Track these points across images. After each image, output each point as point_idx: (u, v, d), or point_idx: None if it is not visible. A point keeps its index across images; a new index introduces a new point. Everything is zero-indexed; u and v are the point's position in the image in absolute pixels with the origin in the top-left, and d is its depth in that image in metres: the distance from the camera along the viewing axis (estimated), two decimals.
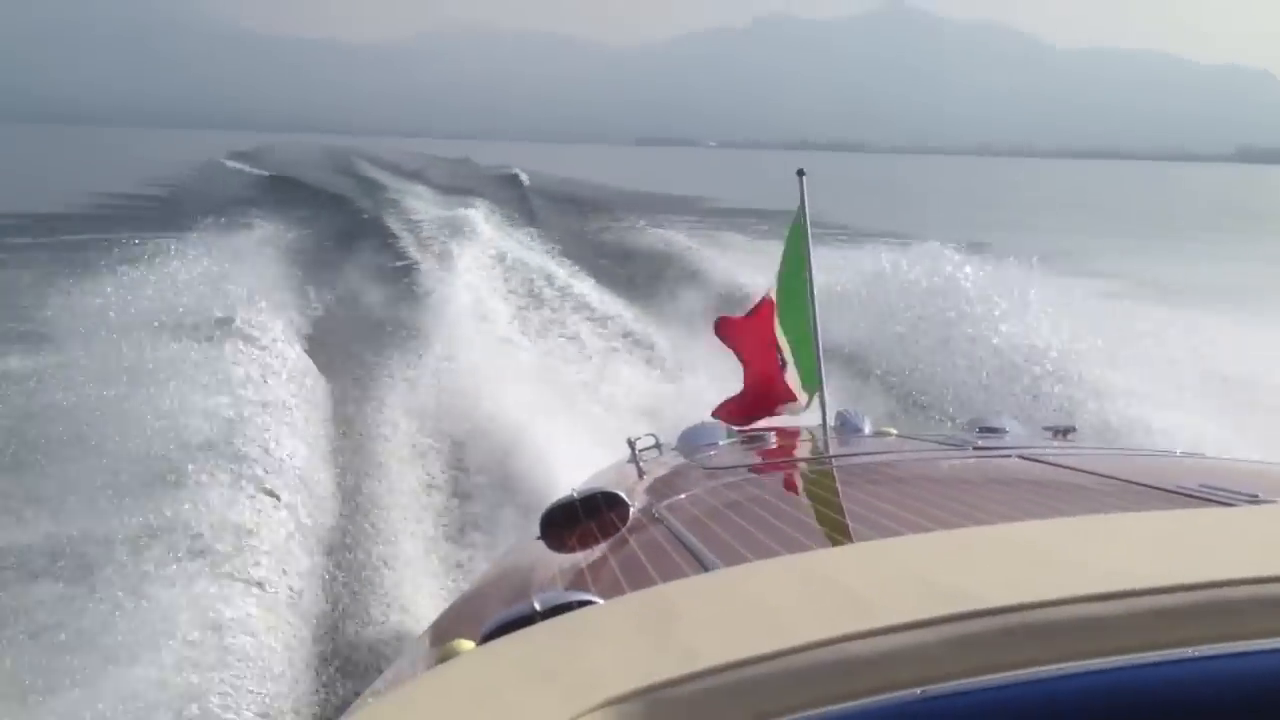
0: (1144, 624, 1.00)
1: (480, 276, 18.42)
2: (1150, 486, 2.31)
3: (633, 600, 1.48)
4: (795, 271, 4.52)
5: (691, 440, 4.18)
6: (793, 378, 4.49)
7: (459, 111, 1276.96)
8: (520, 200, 34.91)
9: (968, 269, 13.45)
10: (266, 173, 49.53)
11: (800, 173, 4.53)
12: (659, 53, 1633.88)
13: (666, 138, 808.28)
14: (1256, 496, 1.95)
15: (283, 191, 37.74)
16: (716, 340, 4.81)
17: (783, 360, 4.53)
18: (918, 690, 0.95)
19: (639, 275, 19.78)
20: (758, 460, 3.67)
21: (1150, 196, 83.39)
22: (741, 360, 4.75)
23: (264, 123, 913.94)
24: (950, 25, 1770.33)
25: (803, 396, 4.51)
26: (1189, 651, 0.95)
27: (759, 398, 4.58)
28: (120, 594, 5.32)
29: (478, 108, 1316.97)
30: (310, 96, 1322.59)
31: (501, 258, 20.87)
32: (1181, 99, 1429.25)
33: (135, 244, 13.26)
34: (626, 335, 14.87)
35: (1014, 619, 1.01)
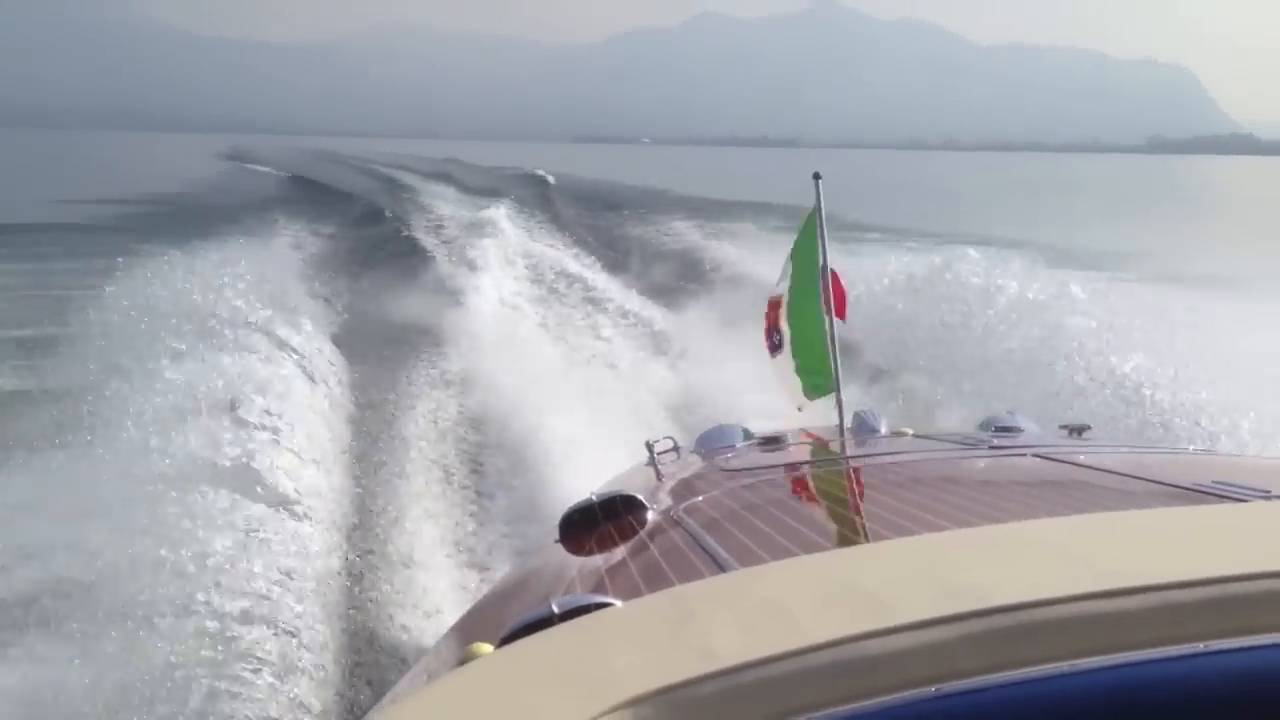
0: (1157, 620, 1.01)
1: (504, 276, 18.33)
2: (1164, 484, 2.32)
3: (651, 602, 1.53)
4: (808, 273, 4.53)
5: (709, 443, 4.16)
6: (786, 376, 4.70)
7: (394, 112, 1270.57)
8: (544, 200, 35.31)
9: (972, 265, 13.38)
10: (286, 174, 50.61)
11: (816, 176, 4.59)
12: (593, 51, 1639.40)
13: (603, 135, 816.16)
14: (1269, 492, 1.99)
15: (304, 193, 37.95)
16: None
17: (775, 354, 4.69)
18: (933, 688, 0.96)
19: (663, 274, 19.63)
20: (775, 462, 3.66)
21: (1071, 187, 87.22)
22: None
23: (202, 124, 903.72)
24: (876, 23, 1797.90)
25: (799, 397, 4.69)
26: (1201, 646, 0.96)
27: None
28: (145, 578, 5.31)
29: (413, 108, 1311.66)
30: (245, 97, 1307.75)
31: (525, 257, 20.90)
32: (1099, 93, 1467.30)
33: (145, 251, 13.04)
34: (649, 334, 14.75)
35: (1027, 616, 1.02)
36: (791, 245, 4.81)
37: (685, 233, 25.85)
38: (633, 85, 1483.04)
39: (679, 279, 18.65)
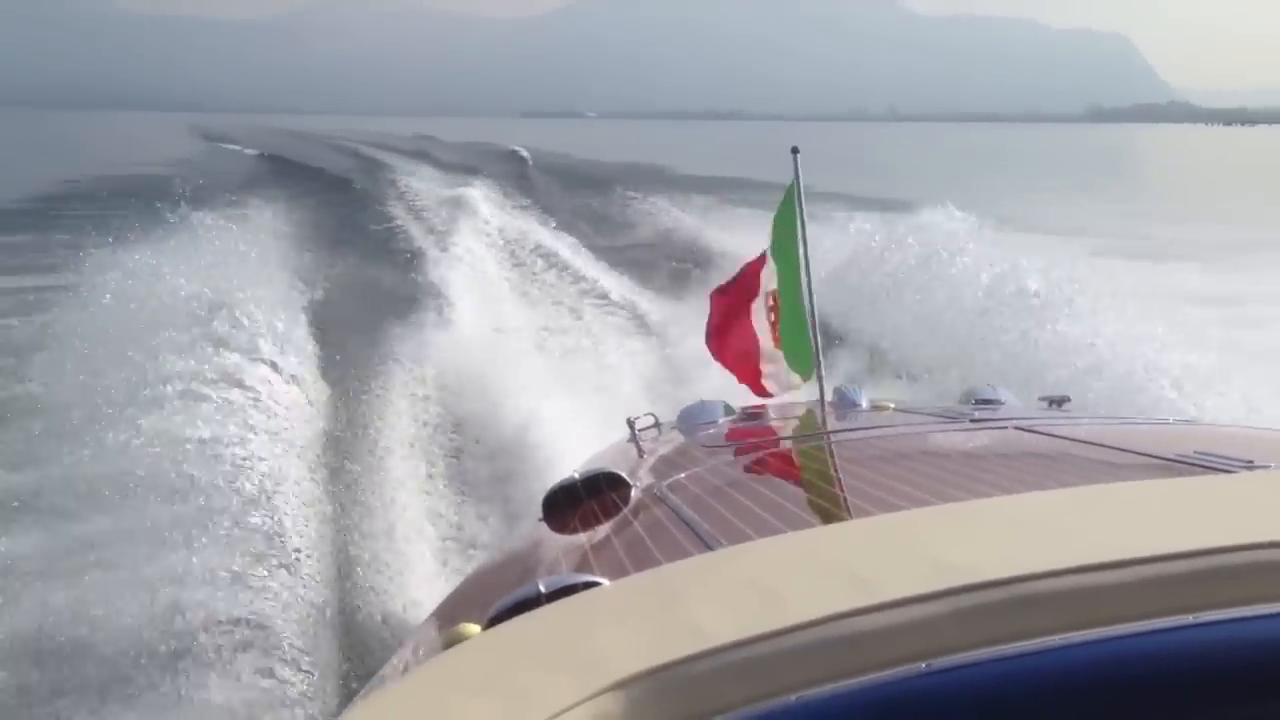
0: (1143, 592, 1.02)
1: (481, 254, 18.04)
2: (1146, 455, 2.34)
3: (638, 581, 1.52)
4: (788, 248, 4.50)
5: (690, 419, 4.13)
6: (775, 356, 4.57)
7: (338, 89, 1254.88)
8: (521, 177, 34.56)
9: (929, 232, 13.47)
10: (258, 152, 49.41)
11: (794, 150, 4.55)
12: (535, 25, 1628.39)
13: (549, 110, 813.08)
14: (1252, 463, 1.99)
15: (278, 172, 37.06)
16: (713, 314, 4.74)
17: (768, 335, 4.58)
18: (922, 664, 0.96)
19: (642, 251, 19.32)
20: (756, 437, 3.71)
21: (1014, 157, 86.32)
22: (714, 333, 4.70)
23: (159, 102, 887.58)
24: None
25: (791, 375, 4.56)
26: (1188, 618, 0.96)
27: (744, 368, 4.65)
28: (124, 575, 5.23)
29: (356, 85, 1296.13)
30: (192, 76, 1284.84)
31: (502, 234, 20.61)
32: (1037, 63, 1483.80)
33: (120, 228, 12.61)
34: (627, 311, 14.57)
35: (1014, 590, 1.03)
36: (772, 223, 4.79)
37: (664, 209, 25.53)
38: (575, 59, 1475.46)
39: (659, 255, 18.31)
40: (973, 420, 3.37)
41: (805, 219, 4.46)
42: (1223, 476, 1.85)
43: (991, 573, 1.06)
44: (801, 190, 4.47)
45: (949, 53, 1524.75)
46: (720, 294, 4.72)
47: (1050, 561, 1.07)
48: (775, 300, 4.59)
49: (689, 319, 11.40)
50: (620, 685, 1.00)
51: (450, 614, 2.51)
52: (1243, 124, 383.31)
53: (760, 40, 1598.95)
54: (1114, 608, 1.01)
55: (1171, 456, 2.21)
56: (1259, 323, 10.46)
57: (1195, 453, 2.16)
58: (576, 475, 2.92)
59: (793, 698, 0.96)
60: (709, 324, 4.73)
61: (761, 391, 4.59)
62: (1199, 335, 9.25)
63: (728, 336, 4.67)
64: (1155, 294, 11.22)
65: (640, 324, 13.82)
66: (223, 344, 9.17)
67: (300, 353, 10.33)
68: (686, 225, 22.05)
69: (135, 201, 15.35)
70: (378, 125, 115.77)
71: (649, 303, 14.82)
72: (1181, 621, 0.96)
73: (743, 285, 4.64)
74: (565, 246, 19.88)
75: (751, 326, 4.61)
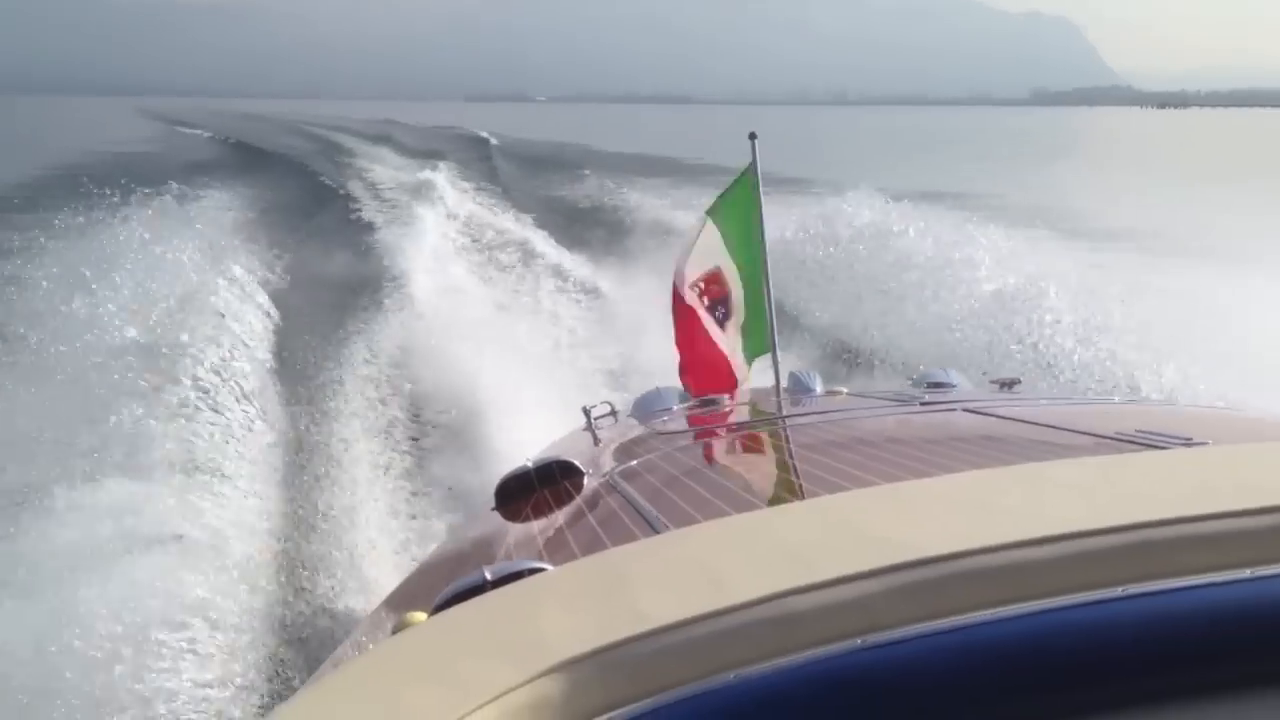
0: (1076, 566, 1.04)
1: (443, 240, 18.09)
2: (1088, 434, 2.39)
3: (582, 565, 1.53)
4: (744, 234, 4.52)
5: (646, 406, 4.15)
6: (734, 346, 4.55)
7: (280, 72, 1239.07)
8: (485, 162, 34.48)
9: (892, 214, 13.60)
10: (224, 137, 48.46)
11: (752, 136, 4.56)
12: (482, 8, 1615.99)
13: (496, 94, 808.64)
14: (1190, 439, 2.03)
15: (242, 157, 36.52)
16: (673, 302, 4.68)
17: (725, 326, 4.57)
18: (858, 640, 0.98)
19: (605, 236, 19.08)
20: (710, 424, 3.76)
21: (963, 139, 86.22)
22: (680, 329, 4.65)
23: (109, 87, 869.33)
24: None
25: (743, 369, 4.57)
26: (1119, 591, 0.99)
27: (708, 366, 4.61)
28: (68, 568, 5.12)
29: (299, 68, 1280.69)
30: (134, 59, 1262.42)
31: (465, 220, 20.56)
32: (985, 47, 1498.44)
33: (79, 217, 12.55)
34: (591, 297, 14.53)
35: (950, 567, 1.05)
36: (717, 207, 4.75)
37: (629, 194, 25.30)
38: (520, 43, 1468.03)
39: (623, 240, 18.08)
40: (923, 403, 3.41)
41: (762, 202, 4.48)
42: (1159, 453, 1.87)
43: (927, 549, 1.08)
44: (759, 175, 4.48)
45: (897, 36, 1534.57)
46: (677, 294, 4.66)
47: (985, 537, 1.09)
48: (714, 285, 4.58)
49: (652, 306, 11.39)
50: (561, 667, 1.01)
51: (399, 602, 2.54)
52: (1176, 107, 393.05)
53: (708, 24, 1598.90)
54: (1046, 581, 1.03)
55: (1112, 435, 2.27)
56: (1202, 302, 10.50)
57: (1136, 431, 2.21)
58: (529, 464, 2.93)
59: (731, 675, 0.98)
60: (674, 320, 4.66)
61: (701, 392, 4.47)
62: (1143, 315, 9.33)
63: (688, 335, 4.61)
64: (1103, 276, 11.38)
65: (603, 310, 13.77)
66: (179, 328, 9.08)
67: (258, 336, 10.30)
68: (652, 210, 21.82)
69: (90, 187, 15.20)
70: (322, 109, 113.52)
71: (613, 289, 14.69)
72: (1112, 594, 0.99)
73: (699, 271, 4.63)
74: (529, 232, 19.78)
75: (700, 322, 4.57)
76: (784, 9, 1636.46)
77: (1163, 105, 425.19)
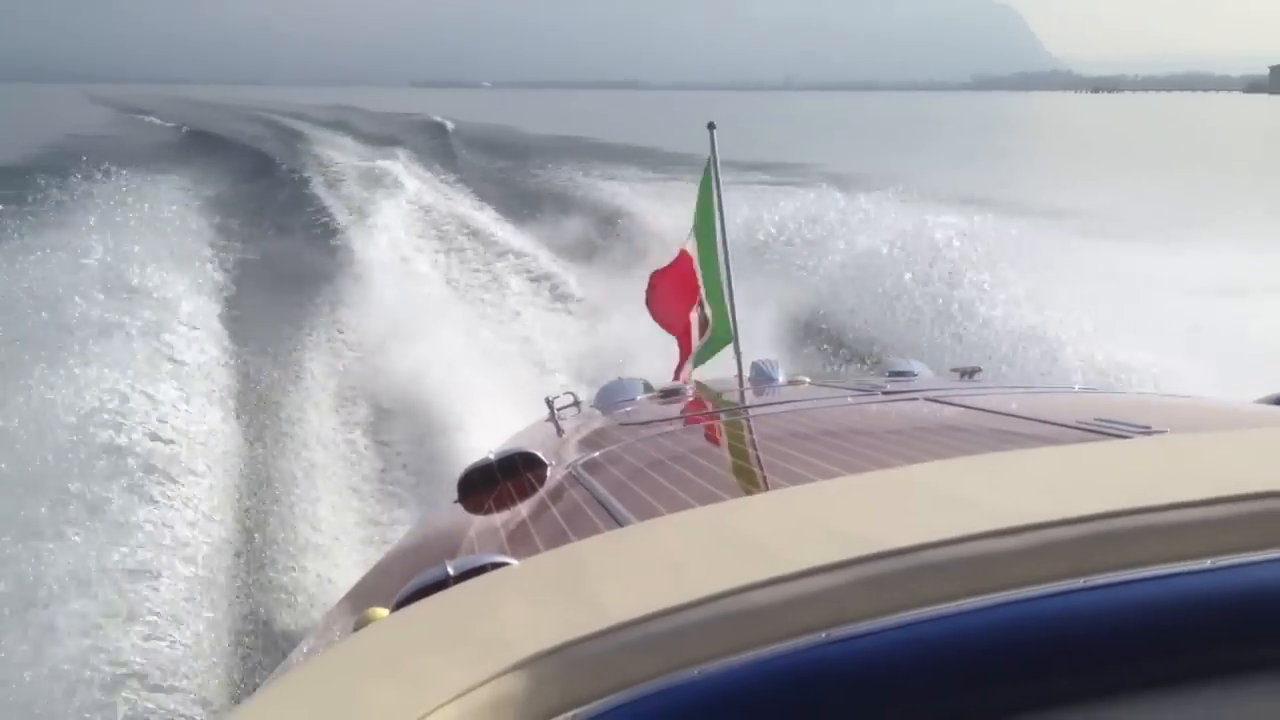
0: (1038, 557, 1.05)
1: (403, 228, 17.92)
2: (1049, 422, 2.42)
3: (546, 560, 1.53)
4: (707, 224, 4.54)
5: (609, 396, 4.12)
6: (695, 333, 4.60)
7: (225, 57, 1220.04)
8: (444, 149, 34.17)
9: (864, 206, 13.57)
10: (181, 126, 46.87)
11: (711, 126, 4.57)
12: None
13: (442, 80, 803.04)
14: (1149, 428, 2.05)
15: (198, 146, 35.42)
16: (641, 292, 4.77)
17: (703, 317, 4.60)
18: (823, 634, 0.98)
19: (566, 224, 18.80)
20: (674, 414, 3.73)
21: (911, 124, 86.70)
22: (662, 322, 4.74)
23: (38, 74, 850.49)
24: None
25: (699, 355, 4.61)
26: (1080, 582, 1.00)
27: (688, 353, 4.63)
28: (26, 569, 5.06)
29: (244, 52, 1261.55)
30: (70, 45, 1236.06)
31: (424, 208, 20.33)
32: (926, 32, 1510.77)
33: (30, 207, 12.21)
34: (553, 286, 14.29)
35: (914, 559, 1.06)
36: (696, 198, 4.80)
37: (587, 180, 24.93)
38: (471, 28, 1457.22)
39: (583, 229, 17.90)
40: (885, 392, 3.45)
41: (722, 193, 4.47)
42: (1119, 442, 1.89)
43: (891, 542, 1.09)
44: (718, 165, 4.51)
45: (843, 23, 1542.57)
46: (661, 275, 4.79)
47: (949, 529, 1.10)
48: (695, 277, 4.67)
49: (615, 294, 11.77)
50: (523, 664, 1.01)
51: (360, 597, 2.53)
52: (1109, 91, 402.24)
53: (655, 9, 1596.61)
54: (1008, 573, 1.04)
55: (1073, 424, 2.28)
56: (1123, 279, 10.70)
57: (1096, 420, 2.24)
58: (492, 456, 2.93)
59: (695, 671, 0.98)
60: (649, 301, 4.79)
61: (682, 377, 4.56)
62: (1100, 302, 9.39)
63: (669, 315, 4.73)
64: (1057, 262, 11.37)
65: (565, 298, 13.67)
66: (133, 317, 9.01)
67: (214, 325, 10.21)
68: (609, 197, 21.58)
69: (48, 177, 15.15)
70: (268, 95, 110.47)
71: (574, 277, 14.57)
72: (1073, 585, 1.00)
73: (679, 267, 4.73)
74: (488, 219, 19.65)
75: (686, 309, 4.65)
76: None
77: (1096, 90, 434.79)
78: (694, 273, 4.70)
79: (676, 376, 4.68)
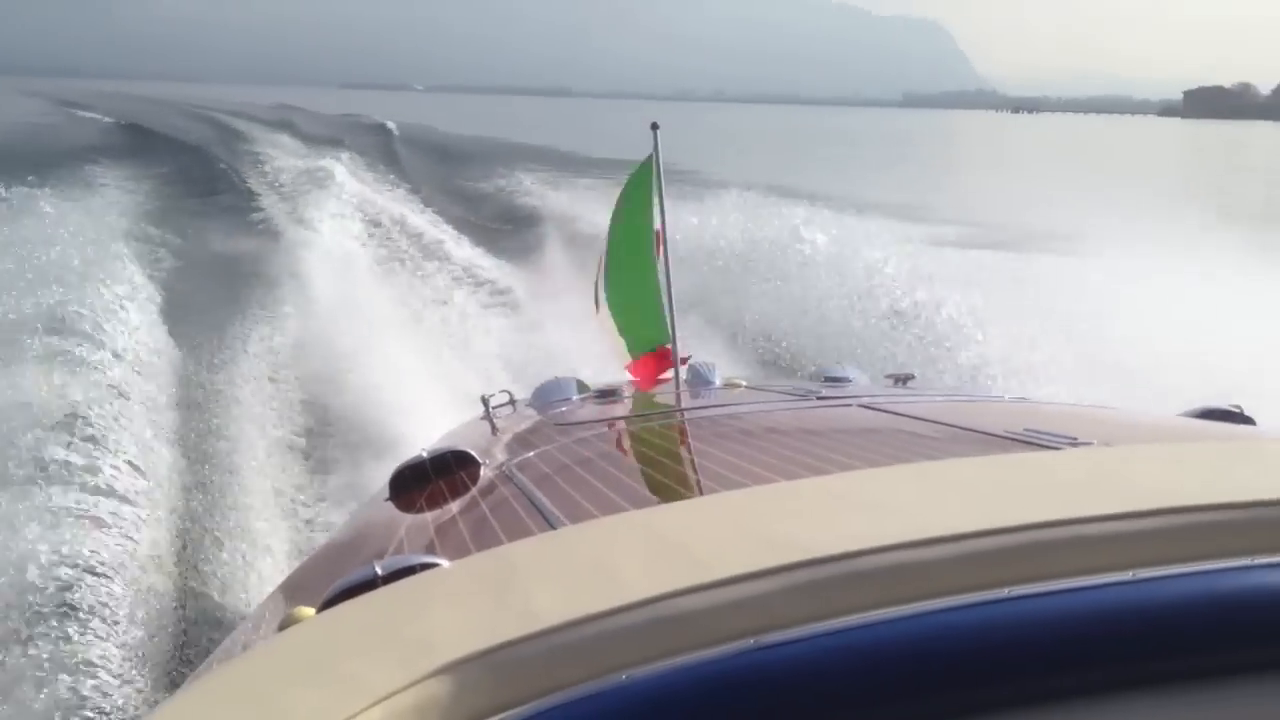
0: (964, 567, 1.06)
1: (342, 228, 17.85)
2: (979, 432, 2.41)
3: (474, 562, 1.53)
4: (639, 224, 4.52)
5: (544, 396, 4.14)
6: (611, 332, 4.63)
7: (155, 55, 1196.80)
8: (387, 150, 34.09)
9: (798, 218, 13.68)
10: (115, 120, 45.54)
11: (654, 126, 4.58)
12: None
13: (373, 82, 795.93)
14: (1076, 439, 2.07)
15: (134, 140, 34.97)
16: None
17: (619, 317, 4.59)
18: (751, 640, 0.98)
19: (503, 226, 18.91)
20: (608, 415, 3.72)
21: (844, 139, 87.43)
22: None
23: None
24: None
25: (624, 356, 4.61)
26: (1004, 592, 1.01)
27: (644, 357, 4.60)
28: None
29: (174, 50, 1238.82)
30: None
31: (365, 209, 20.28)
32: (858, 48, 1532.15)
33: None
34: (493, 288, 14.38)
35: (842, 566, 1.06)
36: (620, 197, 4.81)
37: (529, 185, 25.04)
38: (398, 31, 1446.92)
39: (523, 232, 17.99)
40: (819, 397, 3.46)
41: (664, 193, 4.48)
42: (1047, 453, 1.91)
43: (821, 549, 1.09)
44: (660, 165, 4.51)
45: (773, 35, 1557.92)
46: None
47: (877, 537, 1.10)
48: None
49: (553, 294, 12.06)
50: (449, 668, 1.00)
51: (288, 596, 2.50)
52: (1030, 112, 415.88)
53: (587, 17, 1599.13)
54: (935, 582, 1.04)
55: (1002, 433, 2.29)
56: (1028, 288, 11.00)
57: (1025, 430, 2.25)
58: (424, 454, 2.91)
59: (623, 676, 0.97)
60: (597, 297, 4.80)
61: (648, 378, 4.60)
62: (1026, 315, 9.63)
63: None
64: (990, 273, 11.78)
65: (504, 299, 13.72)
66: (64, 320, 8.91)
67: (149, 329, 10.09)
68: (553, 201, 21.76)
69: None
70: (194, 92, 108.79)
71: (513, 278, 14.68)
72: (998, 595, 1.00)
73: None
74: (429, 221, 19.67)
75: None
76: (665, 6, 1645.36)
77: (1017, 110, 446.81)
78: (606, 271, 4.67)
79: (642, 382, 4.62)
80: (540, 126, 76.42)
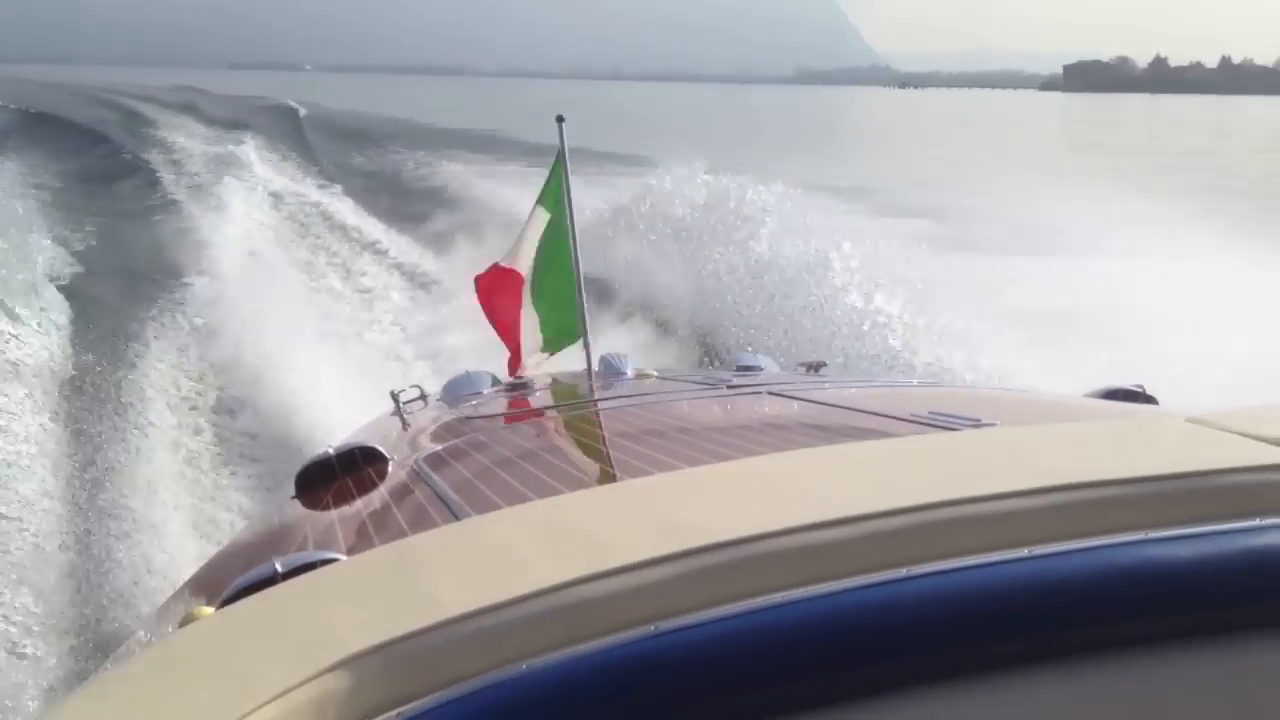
0: (864, 548, 1.06)
1: (252, 216, 17.51)
2: (885, 416, 2.43)
3: (375, 555, 1.50)
4: (555, 216, 4.48)
5: (456, 390, 4.11)
6: (531, 326, 4.54)
7: (30, 34, 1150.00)
8: (295, 134, 33.83)
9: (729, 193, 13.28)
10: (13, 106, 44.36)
11: (560, 119, 4.53)
12: None
13: (261, 62, 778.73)
14: (978, 421, 2.10)
15: (34, 128, 34.30)
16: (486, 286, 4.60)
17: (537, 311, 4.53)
18: (652, 626, 0.98)
19: (419, 212, 18.52)
20: (519, 408, 3.72)
21: (740, 115, 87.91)
22: (491, 314, 4.68)
23: None
24: None
25: (538, 354, 4.57)
26: (903, 571, 1.01)
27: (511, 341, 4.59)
28: None
29: (48, 29, 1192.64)
30: None
31: (273, 195, 19.89)
32: (749, 24, 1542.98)
33: None
34: (409, 276, 14.17)
35: (741, 551, 1.06)
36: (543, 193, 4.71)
37: (445, 168, 24.84)
38: (283, 11, 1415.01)
39: (440, 218, 17.53)
40: (730, 386, 3.47)
41: (570, 184, 4.47)
42: (948, 434, 1.94)
43: (720, 534, 1.09)
44: (567, 156, 4.48)
45: (669, 13, 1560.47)
46: (498, 267, 4.71)
47: (777, 521, 1.10)
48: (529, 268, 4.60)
49: (466, 282, 11.72)
50: (347, 662, 0.98)
51: (188, 595, 2.49)
52: (916, 87, 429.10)
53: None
54: (835, 564, 1.04)
55: (907, 417, 2.35)
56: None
57: (930, 413, 2.30)
58: (331, 451, 2.90)
59: (523, 666, 0.97)
60: (480, 294, 4.73)
61: (518, 368, 4.59)
62: (936, 298, 9.68)
63: (501, 309, 4.67)
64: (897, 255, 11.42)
65: (418, 287, 13.52)
66: None
67: (49, 319, 9.97)
68: (463, 182, 21.49)
69: None
70: (72, 75, 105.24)
71: (428, 264, 14.48)
72: (896, 575, 1.01)
73: (517, 257, 4.68)
74: (339, 205, 19.38)
75: (515, 303, 4.62)
76: None
77: (904, 85, 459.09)
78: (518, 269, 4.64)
79: (512, 371, 4.63)
80: (447, 107, 75.55)
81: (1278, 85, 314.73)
